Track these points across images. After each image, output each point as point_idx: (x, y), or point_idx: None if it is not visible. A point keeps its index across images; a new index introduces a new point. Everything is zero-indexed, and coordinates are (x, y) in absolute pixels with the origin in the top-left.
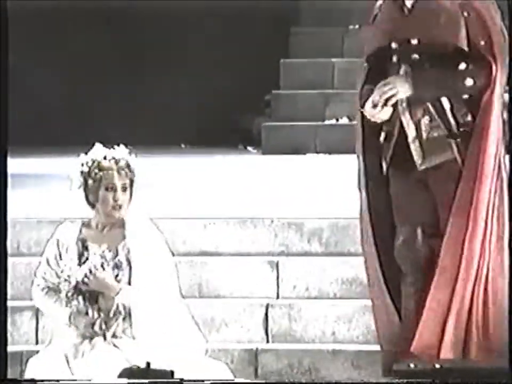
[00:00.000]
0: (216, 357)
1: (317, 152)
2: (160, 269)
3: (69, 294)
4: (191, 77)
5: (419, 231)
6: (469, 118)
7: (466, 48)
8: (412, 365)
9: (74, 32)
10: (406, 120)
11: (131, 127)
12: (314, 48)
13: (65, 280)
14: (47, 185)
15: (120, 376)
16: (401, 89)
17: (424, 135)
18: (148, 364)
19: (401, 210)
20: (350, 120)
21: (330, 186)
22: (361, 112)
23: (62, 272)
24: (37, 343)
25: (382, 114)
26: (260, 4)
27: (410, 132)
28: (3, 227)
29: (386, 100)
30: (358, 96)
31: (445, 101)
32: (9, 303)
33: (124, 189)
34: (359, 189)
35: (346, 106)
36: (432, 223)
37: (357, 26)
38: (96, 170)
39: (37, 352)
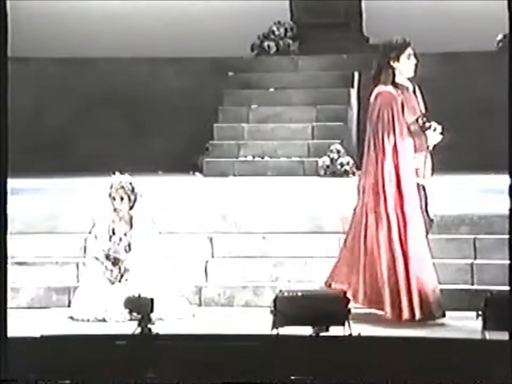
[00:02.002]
0: (178, 290)
1: (235, 176)
2: (150, 243)
3: (102, 260)
4: (166, 133)
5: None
6: None
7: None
8: None
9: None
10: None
11: (130, 160)
12: (232, 117)
13: (101, 251)
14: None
15: (126, 300)
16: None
17: None
18: (139, 294)
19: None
20: (253, 157)
21: (243, 194)
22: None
23: (98, 247)
24: (77, 281)
25: (436, 139)
26: (202, 92)
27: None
28: (3, 225)
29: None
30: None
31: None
32: (64, 259)
33: (121, 199)
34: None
35: (251, 150)
36: None
37: (256, 105)
38: (109, 188)
39: (78, 287)
